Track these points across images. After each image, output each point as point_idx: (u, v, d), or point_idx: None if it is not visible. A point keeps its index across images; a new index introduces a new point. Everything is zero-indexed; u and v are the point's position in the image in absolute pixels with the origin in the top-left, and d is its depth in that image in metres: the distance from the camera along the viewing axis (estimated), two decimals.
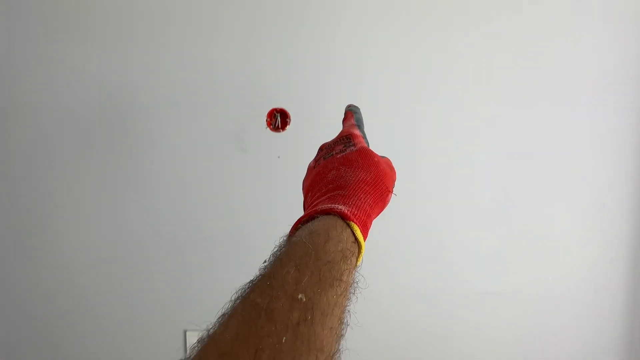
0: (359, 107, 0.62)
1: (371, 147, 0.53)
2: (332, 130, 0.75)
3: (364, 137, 0.55)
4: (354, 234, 0.40)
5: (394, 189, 0.50)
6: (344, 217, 0.40)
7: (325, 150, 0.53)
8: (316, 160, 0.53)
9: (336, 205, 0.41)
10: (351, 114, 0.60)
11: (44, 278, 0.92)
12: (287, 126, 0.87)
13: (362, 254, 0.41)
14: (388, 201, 0.48)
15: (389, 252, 0.94)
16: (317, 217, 0.41)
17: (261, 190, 0.90)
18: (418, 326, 0.96)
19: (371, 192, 0.45)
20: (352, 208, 0.42)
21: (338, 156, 0.49)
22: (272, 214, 0.90)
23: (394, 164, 0.53)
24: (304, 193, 0.53)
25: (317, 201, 0.45)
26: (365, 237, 0.42)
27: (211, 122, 0.88)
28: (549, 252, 0.94)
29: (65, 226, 0.91)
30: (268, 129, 0.87)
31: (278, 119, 0.87)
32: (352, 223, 0.40)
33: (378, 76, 0.90)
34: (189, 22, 0.86)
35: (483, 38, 0.89)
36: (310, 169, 0.53)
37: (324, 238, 0.37)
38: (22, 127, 0.88)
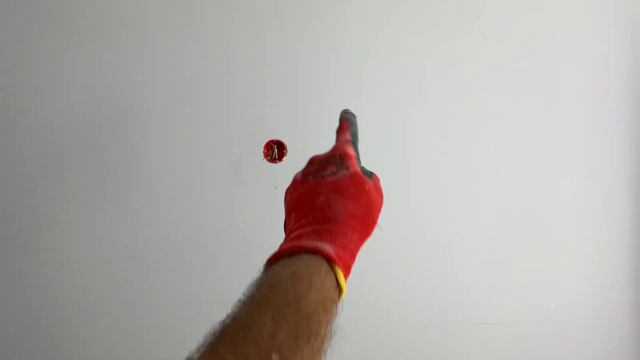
0: (354, 115, 0.61)
1: (362, 161, 0.53)
2: None
3: (358, 157, 0.55)
4: (337, 279, 0.40)
5: (379, 220, 0.49)
6: (329, 260, 0.40)
7: (316, 166, 0.51)
8: (304, 174, 0.51)
9: (322, 245, 0.41)
10: (347, 126, 0.58)
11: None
12: (284, 157, 0.90)
13: (342, 297, 0.41)
14: (371, 233, 0.48)
15: (384, 281, 0.91)
16: (301, 254, 0.40)
17: (259, 219, 0.89)
18: (414, 357, 0.93)
19: (359, 228, 0.45)
20: (338, 249, 0.41)
21: (329, 179, 0.48)
22: (270, 244, 0.86)
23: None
24: (286, 208, 0.51)
25: (301, 230, 0.44)
26: (347, 278, 0.42)
27: (209, 153, 0.89)
28: (550, 279, 0.94)
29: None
30: (265, 160, 0.89)
31: (275, 151, 0.90)
32: (337, 268, 0.40)
33: (375, 110, 0.92)
34: (187, 54, 0.90)
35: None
36: (296, 182, 0.52)
37: (306, 284, 0.37)
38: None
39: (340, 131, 0.58)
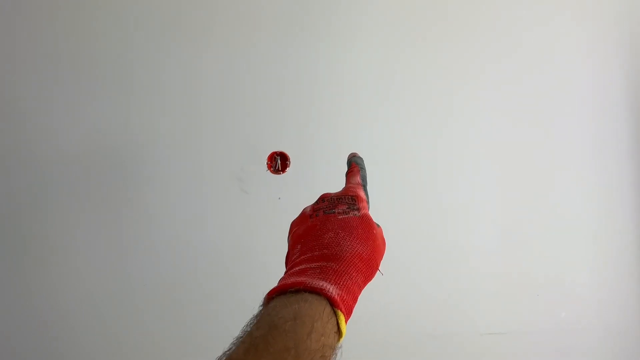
0: (362, 158, 0.62)
1: (371, 213, 0.53)
2: (330, 171, 0.79)
3: (368, 201, 0.55)
4: (338, 324, 0.39)
5: (380, 267, 0.48)
6: (332, 303, 0.39)
7: (328, 203, 0.51)
8: (314, 209, 0.51)
9: (327, 286, 0.40)
10: (357, 170, 0.59)
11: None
12: (287, 168, 0.91)
13: (341, 341, 0.40)
14: (373, 277, 0.47)
15: (391, 291, 0.90)
16: (304, 293, 0.39)
17: (262, 231, 0.89)
18: None
19: (363, 270, 0.44)
20: (343, 292, 0.40)
21: (340, 217, 0.48)
22: (274, 256, 0.86)
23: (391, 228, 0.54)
24: (291, 239, 0.50)
25: (306, 265, 0.43)
26: (347, 321, 0.41)
27: (213, 165, 0.90)
28: (558, 287, 0.93)
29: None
30: (269, 171, 0.90)
31: (278, 162, 0.90)
32: (340, 313, 0.39)
33: (376, 116, 0.93)
34: (190, 67, 0.91)
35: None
36: (305, 215, 0.52)
37: (308, 329, 0.36)
38: (18, 168, 0.89)
39: (350, 174, 0.58)
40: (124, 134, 0.91)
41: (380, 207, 0.93)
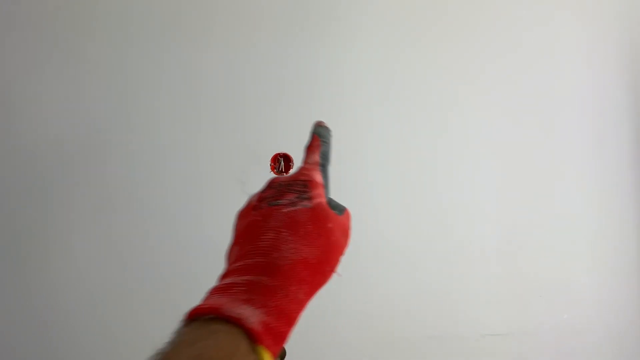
0: (329, 129, 0.53)
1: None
2: (333, 171, 0.78)
3: (327, 185, 0.46)
4: None
5: (338, 268, 0.41)
6: (254, 338, 0.31)
7: (274, 191, 0.42)
8: (260, 198, 0.42)
9: (247, 313, 0.32)
10: (318, 144, 0.49)
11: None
12: (291, 170, 0.90)
13: None
14: (327, 282, 0.40)
15: (392, 293, 0.90)
16: (219, 324, 0.32)
17: None
18: None
19: (308, 279, 0.37)
20: (271, 317, 0.33)
21: (285, 210, 0.39)
22: None
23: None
24: (233, 234, 0.43)
25: (234, 277, 0.36)
26: (279, 349, 0.34)
27: (216, 166, 0.89)
28: (561, 288, 0.94)
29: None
30: (272, 173, 0.89)
31: (282, 163, 0.90)
32: (262, 348, 0.32)
33: (377, 117, 0.94)
34: (191, 67, 0.91)
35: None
36: (249, 207, 0.43)
37: None
38: (16, 168, 0.88)
39: (309, 150, 0.49)
40: (125, 135, 0.90)
41: (381, 208, 0.93)
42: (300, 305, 0.36)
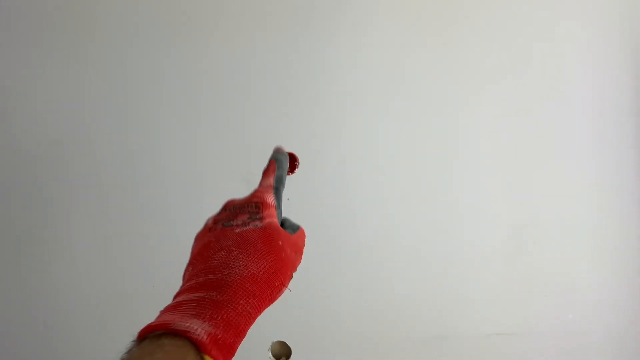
0: (285, 154, 0.56)
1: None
2: (339, 171, 0.79)
3: (279, 206, 0.50)
4: None
5: (289, 283, 0.44)
6: (200, 348, 0.34)
7: (228, 213, 0.47)
8: (215, 221, 0.47)
9: (196, 325, 0.34)
10: (273, 169, 0.54)
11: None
12: (296, 169, 0.90)
13: None
14: (278, 297, 0.43)
15: (395, 293, 0.90)
16: (167, 338, 0.34)
17: None
18: None
19: (257, 294, 0.40)
20: (218, 329, 0.35)
21: (237, 230, 0.43)
22: None
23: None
24: (190, 257, 0.46)
25: (185, 296, 0.39)
26: (231, 357, 0.36)
27: (221, 165, 0.90)
28: (566, 288, 0.94)
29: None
30: None
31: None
32: (208, 358, 0.34)
33: (386, 123, 0.96)
34: (194, 65, 0.94)
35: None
36: (205, 229, 0.47)
37: None
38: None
39: (265, 174, 0.54)
40: (127, 134, 0.90)
41: (384, 208, 0.93)
42: (250, 317, 0.38)
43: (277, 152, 0.57)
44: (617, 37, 1.00)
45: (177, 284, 0.91)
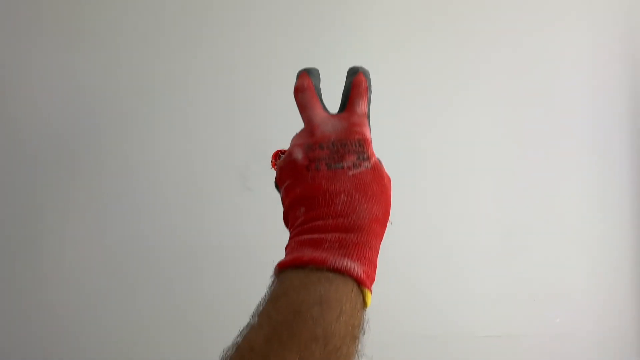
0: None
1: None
2: None
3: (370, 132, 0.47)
4: (364, 298, 0.39)
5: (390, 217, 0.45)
6: (360, 283, 0.38)
7: (329, 152, 0.43)
8: (311, 158, 0.44)
9: (352, 265, 0.38)
10: (366, 88, 0.47)
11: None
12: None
13: (366, 311, 0.40)
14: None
15: (387, 292, 0.91)
16: (328, 273, 0.37)
17: (266, 228, 0.88)
18: None
19: (381, 233, 0.43)
20: (366, 267, 0.39)
21: (350, 173, 0.42)
22: (278, 254, 0.86)
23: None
24: (287, 195, 0.45)
25: (319, 234, 0.40)
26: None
27: (216, 162, 0.90)
28: (556, 292, 0.95)
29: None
30: (273, 169, 0.90)
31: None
32: (367, 291, 0.39)
33: (382, 121, 0.96)
34: (192, 61, 0.94)
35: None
36: (299, 166, 0.44)
37: (336, 313, 0.35)
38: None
39: (357, 94, 0.47)
40: (123, 130, 0.90)
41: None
42: (377, 255, 0.42)
43: (363, 70, 0.49)
44: (617, 37, 1.01)
45: (175, 282, 0.91)
